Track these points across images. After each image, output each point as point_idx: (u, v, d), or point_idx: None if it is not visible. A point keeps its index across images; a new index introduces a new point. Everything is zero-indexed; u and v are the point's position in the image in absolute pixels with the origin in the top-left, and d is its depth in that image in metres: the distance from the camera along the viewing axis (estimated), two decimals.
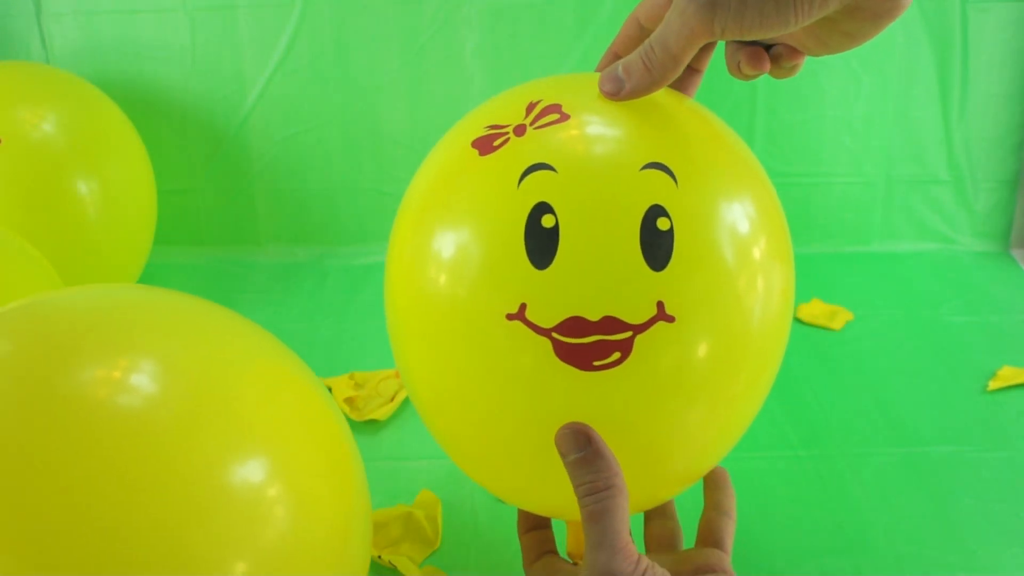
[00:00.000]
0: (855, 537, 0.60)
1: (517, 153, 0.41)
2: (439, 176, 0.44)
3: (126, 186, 0.83)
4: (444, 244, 0.42)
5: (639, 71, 0.40)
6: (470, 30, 0.91)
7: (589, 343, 0.39)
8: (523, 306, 0.39)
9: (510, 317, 0.39)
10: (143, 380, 0.36)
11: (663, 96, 0.44)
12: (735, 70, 0.44)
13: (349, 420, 0.72)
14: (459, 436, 0.46)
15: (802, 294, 0.87)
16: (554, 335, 0.39)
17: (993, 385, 0.74)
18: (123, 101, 0.89)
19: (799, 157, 0.94)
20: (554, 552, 0.49)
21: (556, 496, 0.44)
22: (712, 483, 0.50)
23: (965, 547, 0.59)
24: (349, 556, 0.41)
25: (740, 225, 0.41)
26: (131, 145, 0.86)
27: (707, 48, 0.43)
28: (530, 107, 0.43)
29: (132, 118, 0.88)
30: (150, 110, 0.95)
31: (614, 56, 0.46)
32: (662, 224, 0.39)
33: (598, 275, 0.39)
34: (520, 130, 0.42)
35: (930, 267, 0.94)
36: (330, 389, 0.75)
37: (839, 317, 0.84)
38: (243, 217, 0.99)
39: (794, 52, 0.42)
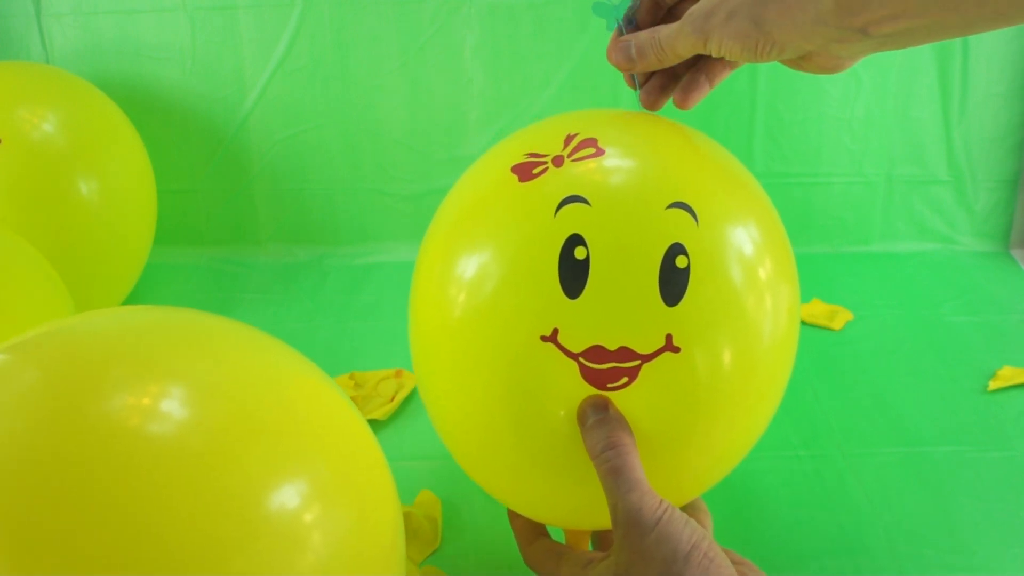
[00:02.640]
0: (855, 537, 0.60)
1: (555, 183, 0.44)
2: (478, 195, 0.47)
3: (126, 186, 0.83)
4: (481, 261, 0.44)
5: (649, 56, 0.48)
6: (469, 30, 0.91)
7: (606, 368, 0.42)
8: (556, 330, 0.42)
9: (544, 339, 0.42)
10: (174, 405, 0.35)
11: (683, 133, 0.48)
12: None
13: None
14: (478, 446, 0.49)
15: (802, 294, 0.87)
16: (580, 360, 0.42)
17: (993, 385, 0.74)
18: (123, 101, 0.88)
19: (799, 157, 0.94)
20: (547, 535, 0.51)
21: (573, 503, 0.47)
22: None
23: (965, 547, 0.59)
24: (394, 564, 0.41)
25: (749, 258, 0.44)
26: (131, 145, 0.86)
27: (723, 65, 0.50)
28: (568, 139, 0.46)
29: (132, 118, 0.88)
30: (150, 110, 0.95)
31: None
32: (680, 262, 0.42)
33: (620, 309, 0.42)
34: (558, 161, 0.45)
35: (930, 267, 0.94)
36: None
37: (839, 317, 0.84)
38: (243, 217, 0.99)
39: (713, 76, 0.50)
